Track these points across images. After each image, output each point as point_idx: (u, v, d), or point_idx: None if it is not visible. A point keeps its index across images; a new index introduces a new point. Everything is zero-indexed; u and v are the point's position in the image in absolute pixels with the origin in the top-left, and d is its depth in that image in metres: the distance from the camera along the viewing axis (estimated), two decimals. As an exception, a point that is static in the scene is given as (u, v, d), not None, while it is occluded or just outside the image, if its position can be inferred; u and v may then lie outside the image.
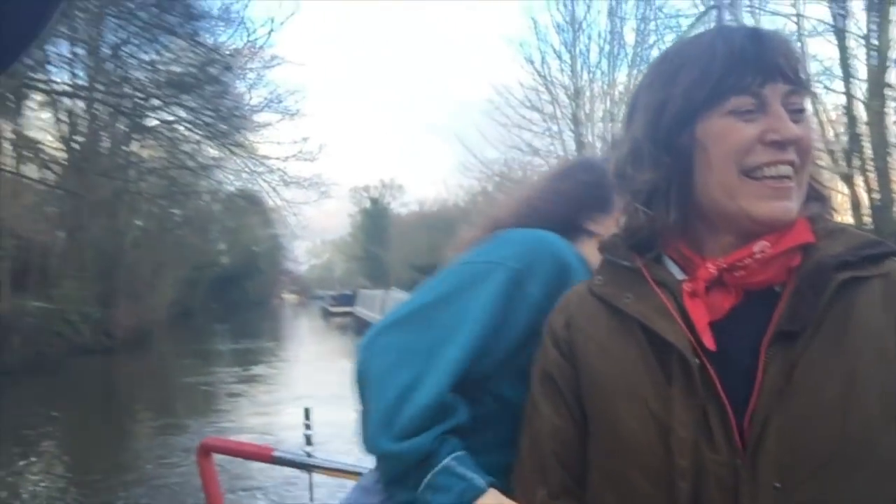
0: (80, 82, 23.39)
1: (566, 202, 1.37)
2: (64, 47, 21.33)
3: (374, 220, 67.11)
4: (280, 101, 23.89)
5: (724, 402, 0.84)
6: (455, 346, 1.13)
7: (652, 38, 21.45)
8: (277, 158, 24.70)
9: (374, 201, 68.74)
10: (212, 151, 25.87)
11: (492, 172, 31.12)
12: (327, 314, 48.26)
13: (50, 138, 22.88)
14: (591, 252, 1.28)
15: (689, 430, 0.84)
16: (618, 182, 0.99)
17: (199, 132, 23.76)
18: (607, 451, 0.92)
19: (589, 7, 24.35)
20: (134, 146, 26.80)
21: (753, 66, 0.88)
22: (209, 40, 21.38)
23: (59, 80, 21.92)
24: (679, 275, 0.94)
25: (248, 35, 21.00)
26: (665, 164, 0.92)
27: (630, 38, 23.62)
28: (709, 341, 0.87)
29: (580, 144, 25.24)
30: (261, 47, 21.37)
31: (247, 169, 26.07)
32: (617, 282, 0.97)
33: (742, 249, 0.90)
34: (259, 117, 24.24)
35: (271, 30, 20.32)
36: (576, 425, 0.96)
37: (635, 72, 21.63)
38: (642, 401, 0.88)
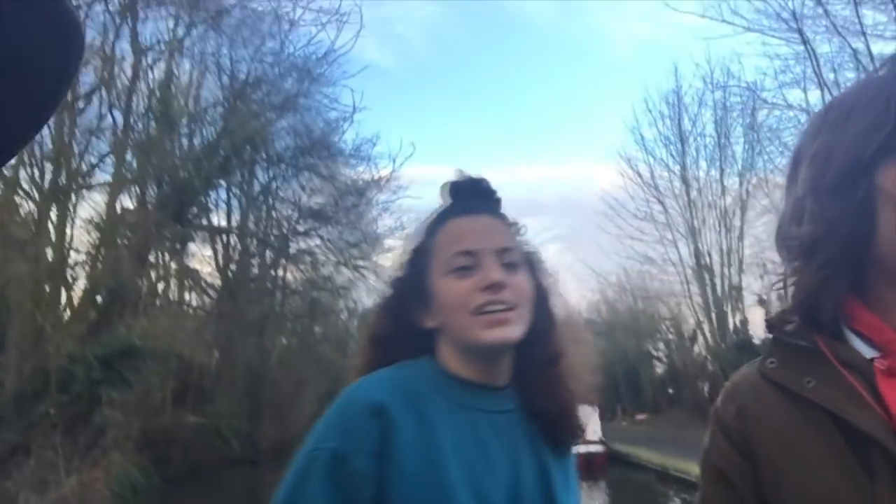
0: (234, 219, 26.51)
1: (400, 304, 1.19)
2: (222, 192, 24.55)
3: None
4: (404, 228, 26.01)
5: None
6: None
7: (758, 148, 21.91)
8: (401, 280, 26.53)
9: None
10: (347, 273, 28.09)
11: (607, 283, 31.35)
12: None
13: (207, 268, 25.64)
14: (444, 350, 1.15)
15: None
16: (779, 247, 0.88)
17: (334, 258, 26.04)
18: None
19: (695, 122, 25.17)
20: (279, 271, 29.52)
21: None
22: (343, 172, 23.98)
23: (215, 221, 24.98)
24: (867, 352, 0.80)
25: (374, 173, 23.37)
26: (829, 218, 0.81)
27: (738, 148, 24.14)
28: None
29: (697, 252, 25.37)
30: (387, 182, 23.65)
31: (377, 289, 27.92)
32: (792, 364, 0.83)
33: None
34: (386, 240, 26.42)
35: (392, 170, 22.98)
36: None
37: (744, 180, 21.92)
38: None
